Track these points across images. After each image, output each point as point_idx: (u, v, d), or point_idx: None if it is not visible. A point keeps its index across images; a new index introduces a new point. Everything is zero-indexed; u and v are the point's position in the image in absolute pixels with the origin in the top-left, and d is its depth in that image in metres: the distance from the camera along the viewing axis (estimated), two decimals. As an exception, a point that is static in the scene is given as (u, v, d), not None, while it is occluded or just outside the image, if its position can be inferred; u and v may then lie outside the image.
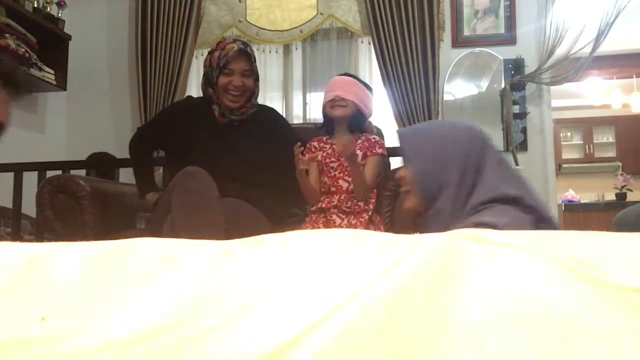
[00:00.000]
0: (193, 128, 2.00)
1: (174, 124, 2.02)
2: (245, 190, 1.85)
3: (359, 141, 1.98)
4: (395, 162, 2.54)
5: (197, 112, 2.03)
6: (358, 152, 1.95)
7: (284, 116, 2.81)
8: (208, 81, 2.00)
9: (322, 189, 1.97)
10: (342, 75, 2.10)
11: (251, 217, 1.81)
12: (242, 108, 1.99)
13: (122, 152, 3.56)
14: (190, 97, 2.27)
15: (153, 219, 1.92)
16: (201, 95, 2.13)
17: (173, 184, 1.65)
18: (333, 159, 1.97)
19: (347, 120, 1.97)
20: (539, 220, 1.26)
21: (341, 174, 1.95)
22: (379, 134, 2.34)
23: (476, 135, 1.37)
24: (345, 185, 1.94)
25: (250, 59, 1.98)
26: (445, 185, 1.32)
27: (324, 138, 2.03)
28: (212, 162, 1.81)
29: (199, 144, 1.96)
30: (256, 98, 2.08)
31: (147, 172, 2.15)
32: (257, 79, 2.02)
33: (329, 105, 1.97)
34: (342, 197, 1.92)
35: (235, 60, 1.94)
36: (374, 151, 1.96)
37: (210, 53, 2.02)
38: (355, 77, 2.10)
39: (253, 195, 1.86)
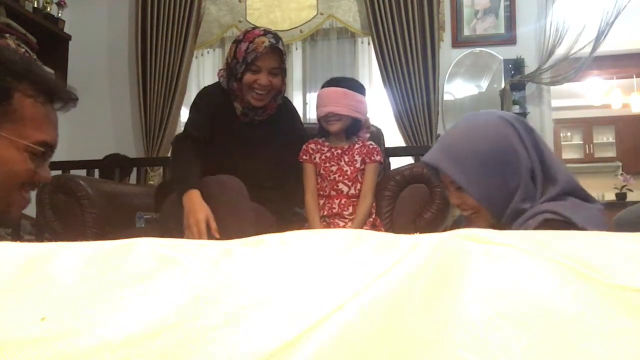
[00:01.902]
0: (216, 122, 1.88)
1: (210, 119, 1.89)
2: (259, 193, 1.79)
3: (356, 146, 1.96)
4: (395, 162, 2.54)
5: (219, 105, 1.90)
6: (356, 157, 1.94)
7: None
8: (232, 74, 1.85)
9: (322, 193, 1.94)
10: (330, 82, 1.97)
11: (268, 222, 1.79)
12: (266, 107, 1.89)
13: (121, 152, 3.56)
14: (207, 87, 2.03)
15: (163, 219, 1.89)
16: (211, 85, 1.99)
17: (207, 193, 1.63)
18: (332, 163, 1.94)
19: (344, 130, 1.96)
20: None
21: (341, 177, 1.92)
22: (379, 133, 2.33)
23: (511, 123, 1.21)
24: (345, 189, 1.91)
25: (281, 56, 1.83)
26: (515, 188, 1.17)
27: (321, 140, 2.01)
28: (231, 163, 1.77)
29: (218, 142, 1.87)
30: (282, 97, 1.97)
31: (194, 164, 1.74)
32: (285, 76, 1.89)
33: (324, 120, 1.92)
34: (343, 202, 1.90)
35: (265, 57, 1.78)
36: (372, 158, 1.94)
37: (236, 42, 1.85)
38: (343, 80, 1.99)
39: (265, 197, 1.82)
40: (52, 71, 3.51)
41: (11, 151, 0.98)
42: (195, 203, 1.61)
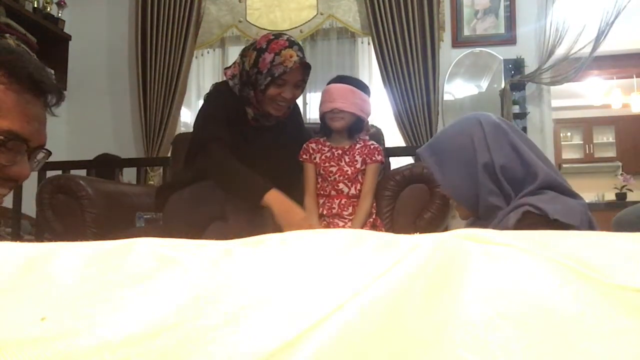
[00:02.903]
0: (227, 123, 1.82)
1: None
2: None
3: (357, 146, 1.96)
4: (395, 162, 2.54)
5: (230, 108, 1.83)
6: (357, 158, 1.94)
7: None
8: (249, 82, 1.77)
9: (322, 193, 1.94)
10: (337, 79, 1.97)
11: (276, 225, 1.79)
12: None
13: (122, 152, 3.57)
14: (220, 85, 1.93)
15: (166, 218, 1.88)
16: (221, 84, 1.92)
17: (228, 199, 1.62)
18: (332, 163, 1.93)
19: (347, 129, 1.95)
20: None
21: (341, 177, 1.92)
22: (379, 133, 2.33)
23: (480, 123, 1.31)
24: (345, 189, 1.91)
25: (308, 70, 1.79)
26: (476, 183, 1.27)
27: (322, 139, 2.00)
28: (246, 165, 1.74)
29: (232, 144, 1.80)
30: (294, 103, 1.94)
31: (245, 168, 1.69)
32: (305, 86, 1.85)
33: (328, 116, 1.91)
34: (343, 202, 1.90)
35: (293, 72, 1.73)
36: (373, 158, 1.94)
37: (257, 50, 1.75)
38: (350, 78, 1.99)
39: None
40: (52, 71, 3.51)
41: None
42: (287, 202, 1.58)
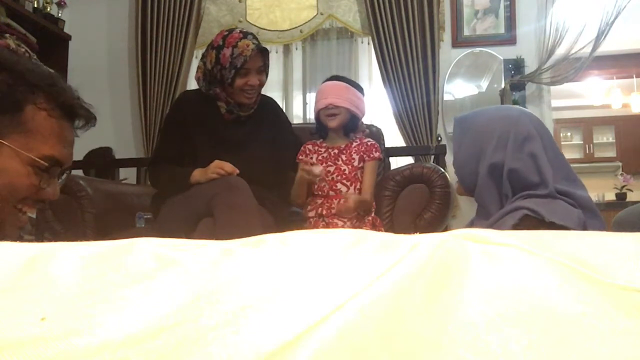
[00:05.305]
0: (198, 126, 1.92)
1: (187, 126, 1.93)
2: (255, 190, 1.76)
3: (354, 144, 1.96)
4: (395, 162, 2.54)
5: (199, 108, 1.94)
6: (354, 156, 1.94)
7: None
8: (215, 80, 1.89)
9: (320, 193, 1.94)
10: (331, 78, 2.01)
11: (269, 223, 1.80)
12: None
13: (121, 152, 3.56)
14: (186, 92, 2.16)
15: (160, 222, 1.89)
16: (189, 91, 2.08)
17: (214, 195, 1.65)
18: (329, 163, 1.93)
19: (342, 127, 1.95)
20: (588, 214, 1.24)
21: (339, 177, 1.92)
22: (379, 133, 2.33)
23: (512, 124, 1.31)
24: (344, 189, 1.91)
25: (267, 55, 1.92)
26: (478, 177, 1.31)
27: (318, 141, 2.01)
28: (222, 158, 1.79)
29: (205, 143, 1.89)
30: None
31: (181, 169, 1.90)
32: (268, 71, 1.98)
33: (323, 113, 1.92)
34: (342, 202, 1.90)
35: (253, 60, 1.86)
36: (371, 155, 1.94)
37: (215, 48, 1.88)
38: (344, 78, 2.02)
39: (263, 196, 1.82)
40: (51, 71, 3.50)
41: (14, 163, 0.93)
42: (202, 169, 1.78)
